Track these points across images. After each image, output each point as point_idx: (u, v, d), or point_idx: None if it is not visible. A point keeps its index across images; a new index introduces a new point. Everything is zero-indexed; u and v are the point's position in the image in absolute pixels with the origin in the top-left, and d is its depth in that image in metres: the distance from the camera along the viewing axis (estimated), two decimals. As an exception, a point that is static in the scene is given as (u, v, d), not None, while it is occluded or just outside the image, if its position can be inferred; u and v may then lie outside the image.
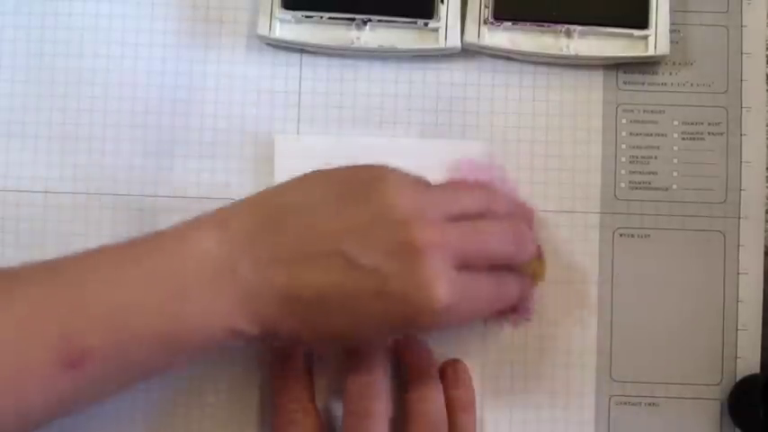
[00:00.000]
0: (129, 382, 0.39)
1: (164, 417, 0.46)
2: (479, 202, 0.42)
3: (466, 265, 0.39)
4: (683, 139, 0.48)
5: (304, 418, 0.43)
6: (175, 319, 0.37)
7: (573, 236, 0.47)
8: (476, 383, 0.46)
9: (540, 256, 0.46)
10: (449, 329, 0.43)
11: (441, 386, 0.45)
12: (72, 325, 0.37)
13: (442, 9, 0.47)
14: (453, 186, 0.43)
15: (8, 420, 0.36)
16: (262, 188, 0.42)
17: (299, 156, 0.47)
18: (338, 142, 0.48)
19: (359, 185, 0.40)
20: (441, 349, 0.46)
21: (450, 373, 0.46)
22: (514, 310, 0.47)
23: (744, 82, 0.48)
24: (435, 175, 0.47)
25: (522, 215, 0.46)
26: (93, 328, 0.37)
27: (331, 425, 0.46)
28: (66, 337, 0.36)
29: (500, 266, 0.42)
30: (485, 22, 0.47)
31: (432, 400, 0.44)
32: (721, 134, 0.48)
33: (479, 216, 0.41)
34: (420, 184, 0.41)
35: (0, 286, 0.38)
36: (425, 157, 0.47)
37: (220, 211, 0.40)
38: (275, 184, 0.41)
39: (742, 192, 0.48)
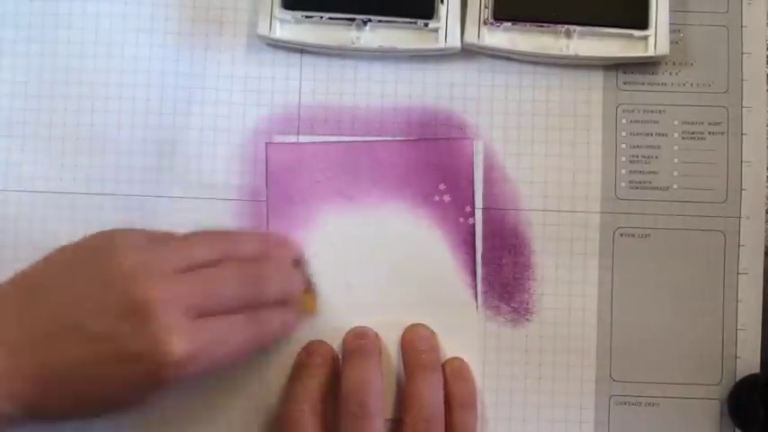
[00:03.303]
0: None
1: (166, 417, 0.47)
2: (214, 250, 0.42)
3: (206, 312, 0.40)
4: (684, 138, 0.48)
5: (311, 417, 0.44)
6: None
7: (573, 236, 0.47)
8: (476, 383, 0.46)
9: (309, 289, 0.47)
10: (209, 375, 0.43)
11: (441, 379, 0.45)
12: None
13: (442, 9, 0.47)
14: (187, 238, 0.43)
15: None
16: (262, 187, 0.46)
17: (292, 163, 0.47)
18: (333, 144, 0.48)
19: (88, 254, 0.41)
20: (441, 348, 0.47)
21: (450, 371, 0.46)
22: (515, 310, 0.47)
23: (744, 82, 0.48)
24: (435, 176, 0.47)
25: (278, 253, 0.45)
26: None
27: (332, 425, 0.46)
28: None
29: (249, 306, 0.42)
30: (484, 23, 0.47)
31: (429, 394, 0.44)
32: (722, 134, 0.48)
33: (217, 263, 0.42)
34: (151, 240, 0.42)
35: None
36: (425, 157, 0.47)
37: None
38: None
39: (742, 191, 0.48)
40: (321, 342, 0.46)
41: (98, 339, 0.38)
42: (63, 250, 0.41)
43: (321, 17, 0.47)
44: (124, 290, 0.39)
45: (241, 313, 0.42)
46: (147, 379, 0.39)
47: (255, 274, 0.43)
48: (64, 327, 0.39)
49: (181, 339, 0.38)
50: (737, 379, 0.47)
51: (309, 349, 0.46)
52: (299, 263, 0.47)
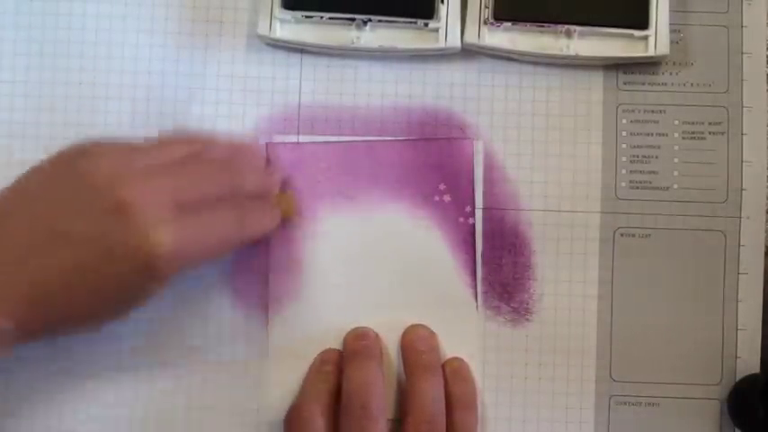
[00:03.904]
0: None
1: (162, 418, 0.47)
2: (188, 149, 0.42)
3: (188, 206, 0.40)
4: (684, 138, 0.48)
5: (321, 417, 0.44)
6: None
7: (573, 236, 0.47)
8: (476, 383, 0.46)
9: (285, 192, 0.47)
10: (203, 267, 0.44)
11: (441, 380, 0.45)
12: None
13: (442, 9, 0.47)
14: (160, 140, 0.43)
15: None
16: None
17: (292, 162, 0.47)
18: (333, 144, 0.48)
19: (64, 164, 0.41)
20: (441, 349, 0.47)
21: (450, 371, 0.46)
22: (515, 310, 0.47)
23: (744, 82, 0.48)
24: (435, 176, 0.47)
25: (251, 154, 0.46)
26: None
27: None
28: None
29: (228, 201, 0.42)
30: (485, 23, 0.47)
31: (430, 395, 0.44)
32: (722, 134, 0.48)
33: (188, 160, 0.42)
34: (123, 146, 0.42)
35: None
36: (425, 157, 0.47)
37: None
38: None
39: (743, 191, 0.48)
40: (334, 351, 0.46)
41: (85, 242, 0.38)
42: (36, 167, 0.41)
43: (321, 17, 0.47)
44: (105, 191, 0.38)
45: (223, 206, 0.42)
46: (139, 275, 0.39)
47: (231, 167, 0.43)
48: (49, 236, 0.39)
49: (168, 230, 0.38)
50: (737, 379, 0.47)
51: (324, 358, 0.46)
52: (271, 166, 0.47)
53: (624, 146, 0.48)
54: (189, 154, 0.42)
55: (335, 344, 0.47)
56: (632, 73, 0.48)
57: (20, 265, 0.38)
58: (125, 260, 0.38)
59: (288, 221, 0.47)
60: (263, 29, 0.47)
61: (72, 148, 0.41)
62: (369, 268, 0.47)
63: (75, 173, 0.40)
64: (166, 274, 0.39)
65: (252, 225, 0.44)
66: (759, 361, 0.47)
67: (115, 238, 0.38)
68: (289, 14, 0.47)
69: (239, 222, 0.42)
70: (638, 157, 0.48)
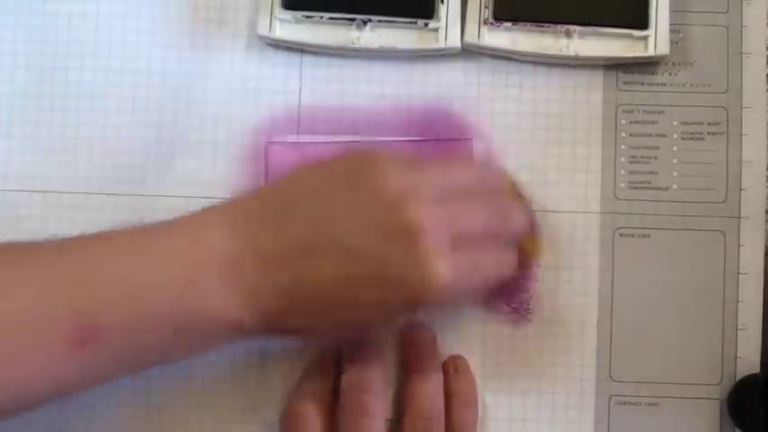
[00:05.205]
0: (130, 368, 0.39)
1: (161, 415, 0.47)
2: (469, 178, 0.42)
3: (459, 241, 0.39)
4: (683, 139, 0.48)
5: (316, 416, 0.43)
6: (183, 307, 0.38)
7: (573, 236, 0.47)
8: (476, 381, 0.46)
9: (534, 234, 0.47)
10: (452, 308, 0.44)
11: (441, 379, 0.45)
12: (84, 303, 0.37)
13: (442, 9, 0.47)
14: (444, 163, 0.43)
15: (7, 398, 0.36)
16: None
17: (292, 163, 0.47)
18: (333, 144, 0.48)
19: (350, 173, 0.40)
20: (441, 348, 0.47)
21: (451, 369, 0.46)
22: (515, 310, 0.47)
23: (744, 82, 0.48)
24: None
25: (511, 190, 0.46)
26: (104, 308, 0.37)
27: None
28: (77, 315, 0.36)
29: (494, 240, 0.42)
30: (485, 23, 0.47)
31: (428, 393, 0.44)
32: (721, 134, 0.48)
33: (469, 190, 0.41)
34: (410, 162, 0.41)
35: (13, 261, 0.38)
36: (425, 157, 0.47)
37: (228, 206, 0.40)
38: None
39: (742, 191, 0.48)
40: (334, 350, 0.46)
41: (358, 258, 0.37)
42: (321, 166, 0.41)
43: (321, 17, 0.47)
44: (391, 212, 0.38)
45: (489, 246, 0.41)
46: (403, 302, 0.38)
47: (503, 207, 0.42)
48: (322, 242, 0.38)
49: (446, 265, 0.37)
50: (737, 379, 0.47)
51: (323, 356, 0.46)
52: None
53: (623, 146, 0.48)
54: (469, 183, 0.41)
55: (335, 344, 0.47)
56: (632, 73, 0.48)
57: (287, 263, 0.38)
58: (395, 286, 0.37)
59: (528, 260, 0.46)
60: (263, 29, 0.47)
61: (356, 156, 0.41)
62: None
63: (361, 183, 0.39)
64: (430, 305, 0.38)
65: (508, 269, 0.43)
66: (759, 361, 0.47)
67: (391, 262, 0.37)
68: (289, 14, 0.47)
69: (500, 266, 0.42)
70: (637, 157, 0.48)
